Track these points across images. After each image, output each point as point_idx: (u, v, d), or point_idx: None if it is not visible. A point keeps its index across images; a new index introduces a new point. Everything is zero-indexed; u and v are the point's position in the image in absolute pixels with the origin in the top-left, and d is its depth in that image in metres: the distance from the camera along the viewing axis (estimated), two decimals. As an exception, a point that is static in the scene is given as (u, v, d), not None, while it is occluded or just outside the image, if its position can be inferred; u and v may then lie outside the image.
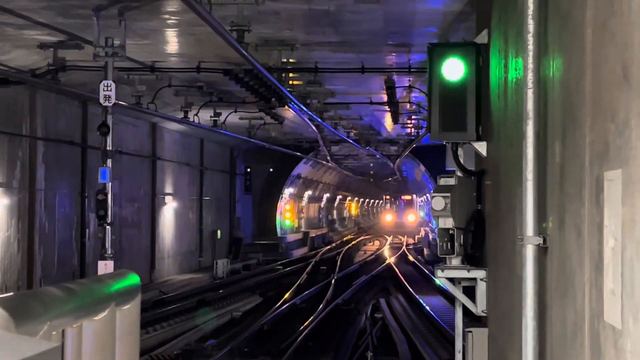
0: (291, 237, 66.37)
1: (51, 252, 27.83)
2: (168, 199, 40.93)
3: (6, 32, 20.79)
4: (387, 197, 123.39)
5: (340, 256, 55.09)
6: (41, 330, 3.66)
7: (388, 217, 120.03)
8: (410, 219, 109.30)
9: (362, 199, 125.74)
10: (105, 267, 19.49)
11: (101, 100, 19.25)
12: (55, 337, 4.05)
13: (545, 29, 6.68)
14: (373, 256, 60.22)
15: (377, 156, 54.52)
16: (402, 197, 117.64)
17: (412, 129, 41.54)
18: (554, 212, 6.41)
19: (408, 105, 33.31)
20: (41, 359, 2.92)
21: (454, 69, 10.69)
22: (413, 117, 37.17)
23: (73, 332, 4.41)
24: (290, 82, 26.47)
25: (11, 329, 3.37)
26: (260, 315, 29.96)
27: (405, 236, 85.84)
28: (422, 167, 69.65)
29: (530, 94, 6.48)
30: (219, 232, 48.97)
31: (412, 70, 24.85)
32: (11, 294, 4.03)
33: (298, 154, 51.67)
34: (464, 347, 11.79)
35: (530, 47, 6.49)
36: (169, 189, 41.17)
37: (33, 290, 5.38)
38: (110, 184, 19.70)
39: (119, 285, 5.29)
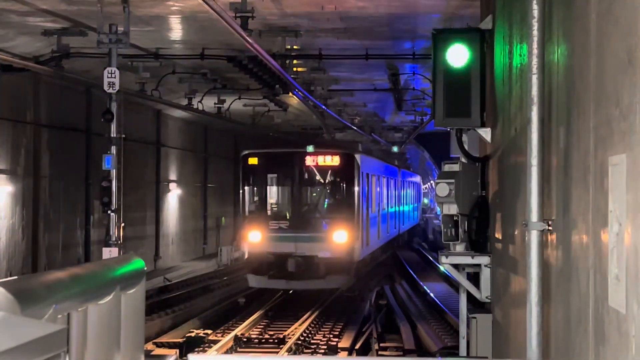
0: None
1: (56, 239, 27.86)
2: (172, 186, 40.94)
3: (10, 19, 20.77)
4: (252, 159, 30.35)
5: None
6: (47, 313, 3.68)
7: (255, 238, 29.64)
8: (323, 251, 29.18)
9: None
10: (109, 253, 19.54)
11: (105, 87, 19.26)
12: (61, 320, 4.07)
13: (549, 15, 6.67)
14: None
15: (382, 143, 54.55)
16: (311, 156, 29.94)
17: (416, 116, 41.53)
18: (559, 197, 6.41)
19: (412, 92, 33.27)
20: (47, 341, 2.93)
21: (458, 55, 10.67)
22: (417, 103, 37.13)
23: (78, 315, 4.42)
24: (294, 69, 26.45)
25: (17, 311, 3.39)
26: (265, 301, 29.97)
27: None
28: (427, 154, 69.66)
29: (535, 80, 6.47)
30: (223, 219, 48.98)
31: (416, 56, 24.80)
32: (16, 277, 4.06)
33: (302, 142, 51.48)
34: (468, 333, 11.81)
35: (535, 32, 6.48)
36: (173, 176, 41.18)
37: (38, 274, 5.40)
38: (114, 170, 19.71)
39: (124, 270, 5.30)
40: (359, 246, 30.21)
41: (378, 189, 36.31)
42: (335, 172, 30.12)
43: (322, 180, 30.15)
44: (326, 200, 30.31)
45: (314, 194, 30.52)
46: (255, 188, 30.64)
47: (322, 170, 30.02)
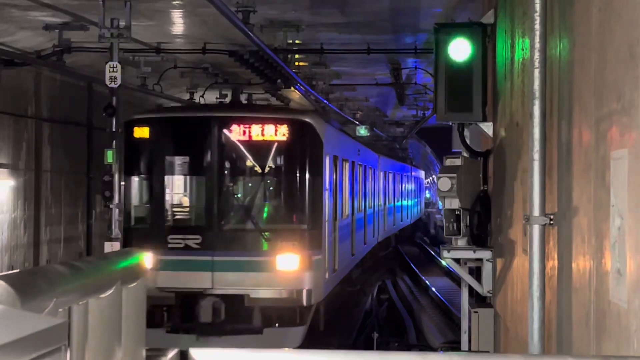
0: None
1: (57, 233, 27.88)
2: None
3: (11, 13, 20.76)
4: (141, 129, 18.27)
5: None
6: (47, 307, 3.69)
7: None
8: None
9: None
10: (111, 248, 19.55)
11: (107, 82, 19.26)
12: (62, 314, 4.08)
13: (551, 9, 6.66)
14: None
15: (383, 137, 54.61)
16: (243, 124, 17.61)
17: (418, 111, 41.53)
18: (561, 192, 6.41)
19: (414, 87, 33.26)
20: (48, 334, 2.94)
21: (460, 50, 10.67)
22: (419, 98, 37.13)
23: (79, 309, 4.44)
24: (296, 63, 26.43)
25: (17, 305, 3.40)
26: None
27: None
28: (429, 149, 69.63)
29: (537, 74, 6.46)
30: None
31: (418, 51, 24.77)
32: (17, 271, 4.07)
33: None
34: (469, 327, 11.81)
35: (537, 26, 6.47)
36: (174, 170, 41.20)
37: (39, 268, 5.42)
38: (116, 165, 19.71)
39: (125, 264, 5.31)
40: (322, 275, 18.28)
41: (353, 180, 24.76)
42: (284, 151, 17.81)
43: (260, 167, 17.90)
44: (267, 199, 18.34)
45: (246, 191, 18.33)
46: (145, 178, 18.57)
47: (261, 148, 17.66)
